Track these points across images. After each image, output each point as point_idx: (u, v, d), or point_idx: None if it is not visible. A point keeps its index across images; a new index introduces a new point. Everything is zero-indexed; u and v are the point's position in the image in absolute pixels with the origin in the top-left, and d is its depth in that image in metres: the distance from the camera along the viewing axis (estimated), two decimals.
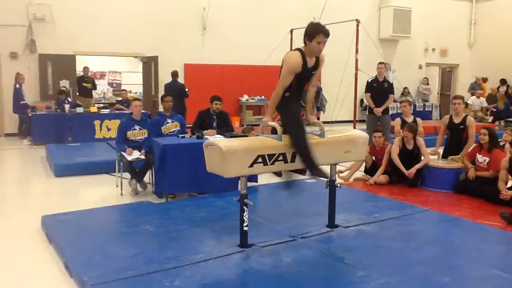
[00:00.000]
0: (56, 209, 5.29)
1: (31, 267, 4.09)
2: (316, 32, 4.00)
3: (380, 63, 8.89)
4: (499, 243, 4.55)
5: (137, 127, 6.59)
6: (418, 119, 7.84)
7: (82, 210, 5.38)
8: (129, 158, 6.26)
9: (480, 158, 6.26)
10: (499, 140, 6.63)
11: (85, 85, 12.55)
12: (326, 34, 4.03)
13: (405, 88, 16.16)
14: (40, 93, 12.08)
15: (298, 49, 4.15)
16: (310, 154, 4.02)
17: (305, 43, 4.11)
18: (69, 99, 11.29)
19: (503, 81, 16.42)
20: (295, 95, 4.23)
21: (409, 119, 7.69)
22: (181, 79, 12.09)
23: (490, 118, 14.84)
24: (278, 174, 7.36)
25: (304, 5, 14.27)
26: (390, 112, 9.81)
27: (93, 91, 13.15)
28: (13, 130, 11.62)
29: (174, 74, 11.21)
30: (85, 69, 12.71)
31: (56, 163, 7.60)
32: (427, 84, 17.17)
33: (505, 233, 4.74)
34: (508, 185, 5.74)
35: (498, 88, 16.26)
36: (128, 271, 3.65)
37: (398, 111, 14.97)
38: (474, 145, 6.66)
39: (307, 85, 4.32)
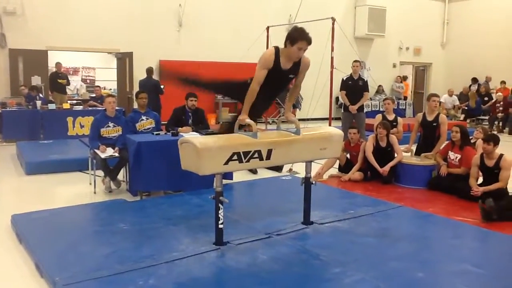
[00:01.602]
0: (27, 207, 5.17)
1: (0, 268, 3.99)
2: (299, 38, 3.99)
3: (355, 61, 8.96)
4: (472, 239, 4.64)
5: (111, 124, 6.48)
6: (399, 118, 7.91)
7: (54, 208, 5.26)
8: (103, 155, 6.17)
9: (452, 155, 6.37)
10: (470, 137, 6.75)
11: (60, 81, 12.28)
12: (309, 42, 4.03)
13: (379, 86, 16.37)
14: (10, 89, 11.79)
15: (275, 47, 4.16)
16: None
17: (285, 45, 4.10)
18: (41, 95, 11.05)
19: (474, 80, 16.79)
20: (263, 96, 4.17)
21: (391, 116, 7.76)
22: (156, 76, 11.97)
23: (462, 116, 15.16)
24: (253, 171, 7.37)
25: (280, 3, 14.31)
26: (366, 110, 9.90)
27: (67, 87, 12.91)
28: None
29: (149, 71, 11.11)
30: (58, 65, 12.42)
31: (27, 161, 7.43)
32: (401, 82, 17.41)
33: (478, 229, 4.83)
34: (479, 181, 5.85)
35: (469, 86, 16.62)
36: (101, 270, 3.59)
37: (373, 109, 15.23)
38: (446, 142, 6.78)
39: (284, 89, 4.32)
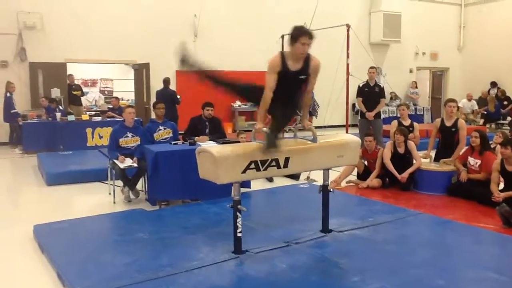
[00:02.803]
0: (48, 218, 5.25)
1: (23, 277, 4.05)
2: (300, 34, 4.00)
3: (371, 67, 8.94)
4: (493, 245, 4.57)
5: (129, 134, 6.57)
6: (415, 124, 7.87)
7: (75, 218, 5.33)
8: (122, 165, 6.24)
9: (471, 160, 6.29)
10: (490, 142, 6.66)
11: (75, 93, 12.52)
12: (310, 36, 4.02)
13: (391, 92, 16.10)
14: (31, 102, 12.02)
15: (280, 51, 4.24)
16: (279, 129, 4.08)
17: (291, 46, 4.11)
18: (60, 107, 11.24)
19: (493, 84, 16.56)
20: (281, 102, 4.11)
21: (406, 122, 7.73)
22: (173, 86, 12.08)
23: (481, 121, 14.95)
24: (269, 179, 7.37)
25: (295, 11, 14.31)
26: (382, 116, 9.84)
27: (82, 98, 13.11)
28: (4, 139, 11.51)
29: (166, 81, 11.21)
30: (70, 77, 12.65)
31: (47, 172, 7.55)
32: (416, 87, 17.22)
33: (499, 235, 4.76)
34: (500, 187, 5.76)
35: (488, 91, 16.40)
36: (121, 279, 3.63)
37: (391, 115, 15.10)
38: (466, 148, 6.70)
39: (300, 92, 4.29)
